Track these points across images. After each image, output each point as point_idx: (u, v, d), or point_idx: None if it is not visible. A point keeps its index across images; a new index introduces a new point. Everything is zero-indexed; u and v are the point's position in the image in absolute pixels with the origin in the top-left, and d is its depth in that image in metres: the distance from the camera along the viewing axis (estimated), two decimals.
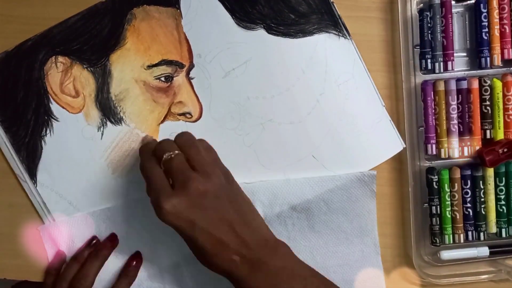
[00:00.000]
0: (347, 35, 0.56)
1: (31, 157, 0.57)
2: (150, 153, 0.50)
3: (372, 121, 0.56)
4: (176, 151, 0.48)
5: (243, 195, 0.52)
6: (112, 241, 0.57)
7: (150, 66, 0.56)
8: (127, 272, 0.58)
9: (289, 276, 0.47)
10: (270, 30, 0.55)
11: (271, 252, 0.48)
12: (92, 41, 0.56)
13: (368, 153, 0.56)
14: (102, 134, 0.57)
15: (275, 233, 0.50)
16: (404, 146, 0.57)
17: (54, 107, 0.56)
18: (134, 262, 0.58)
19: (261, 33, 0.55)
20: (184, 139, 0.51)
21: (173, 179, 0.47)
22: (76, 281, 0.55)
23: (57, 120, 0.56)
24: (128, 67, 0.56)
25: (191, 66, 0.56)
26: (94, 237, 0.58)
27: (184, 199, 0.46)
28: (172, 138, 0.52)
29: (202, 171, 0.47)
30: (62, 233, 0.57)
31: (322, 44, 0.55)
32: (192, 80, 0.56)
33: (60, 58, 0.56)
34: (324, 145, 0.56)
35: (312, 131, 0.56)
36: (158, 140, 0.56)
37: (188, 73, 0.56)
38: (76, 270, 0.56)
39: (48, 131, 0.56)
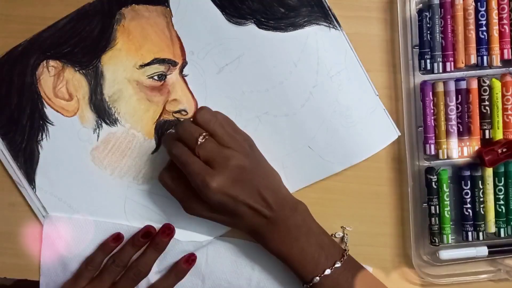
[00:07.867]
0: (337, 26, 0.55)
1: (28, 162, 0.57)
2: (175, 139, 0.51)
3: (366, 111, 0.56)
4: (204, 134, 0.50)
5: (263, 157, 0.54)
6: (169, 235, 0.56)
7: (142, 66, 0.56)
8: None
9: (306, 231, 0.53)
10: (260, 25, 0.55)
11: (291, 210, 0.53)
12: (82, 43, 0.55)
13: (364, 142, 0.56)
14: (98, 136, 0.57)
15: None
16: (399, 134, 0.57)
17: (49, 111, 0.56)
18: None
19: (251, 28, 0.55)
20: (206, 118, 0.51)
21: (210, 160, 0.49)
22: (136, 267, 0.55)
23: (52, 124, 0.56)
24: (120, 67, 0.56)
25: (184, 63, 0.56)
26: (150, 227, 0.56)
27: (228, 176, 0.49)
28: None
29: (234, 146, 0.50)
30: (65, 228, 0.57)
31: (313, 36, 0.55)
32: (186, 77, 0.56)
33: (51, 62, 0.56)
34: (320, 136, 0.56)
35: (307, 123, 0.56)
36: (155, 141, 0.57)
37: (181, 71, 0.56)
38: (132, 254, 0.56)
39: (44, 136, 0.56)
